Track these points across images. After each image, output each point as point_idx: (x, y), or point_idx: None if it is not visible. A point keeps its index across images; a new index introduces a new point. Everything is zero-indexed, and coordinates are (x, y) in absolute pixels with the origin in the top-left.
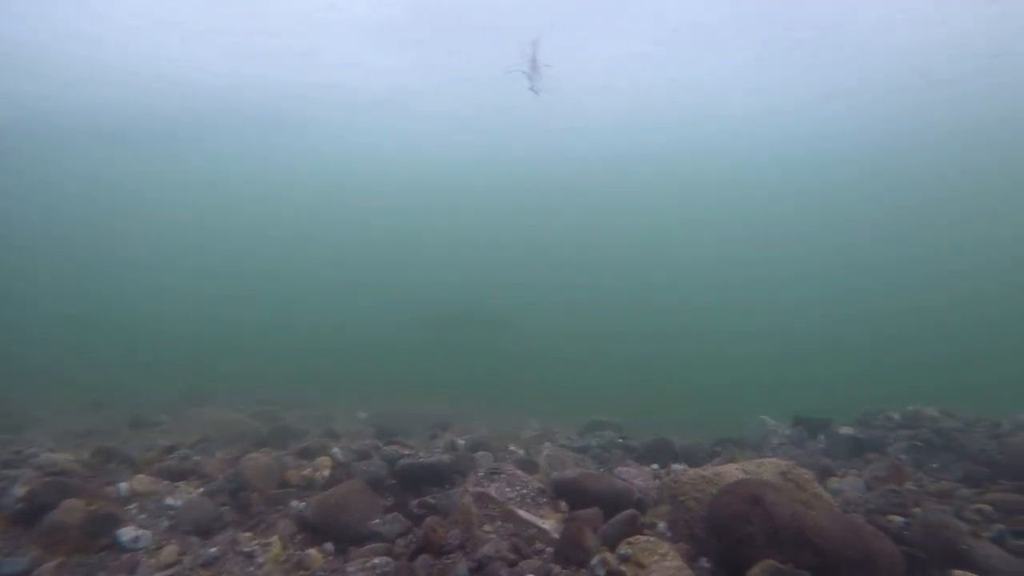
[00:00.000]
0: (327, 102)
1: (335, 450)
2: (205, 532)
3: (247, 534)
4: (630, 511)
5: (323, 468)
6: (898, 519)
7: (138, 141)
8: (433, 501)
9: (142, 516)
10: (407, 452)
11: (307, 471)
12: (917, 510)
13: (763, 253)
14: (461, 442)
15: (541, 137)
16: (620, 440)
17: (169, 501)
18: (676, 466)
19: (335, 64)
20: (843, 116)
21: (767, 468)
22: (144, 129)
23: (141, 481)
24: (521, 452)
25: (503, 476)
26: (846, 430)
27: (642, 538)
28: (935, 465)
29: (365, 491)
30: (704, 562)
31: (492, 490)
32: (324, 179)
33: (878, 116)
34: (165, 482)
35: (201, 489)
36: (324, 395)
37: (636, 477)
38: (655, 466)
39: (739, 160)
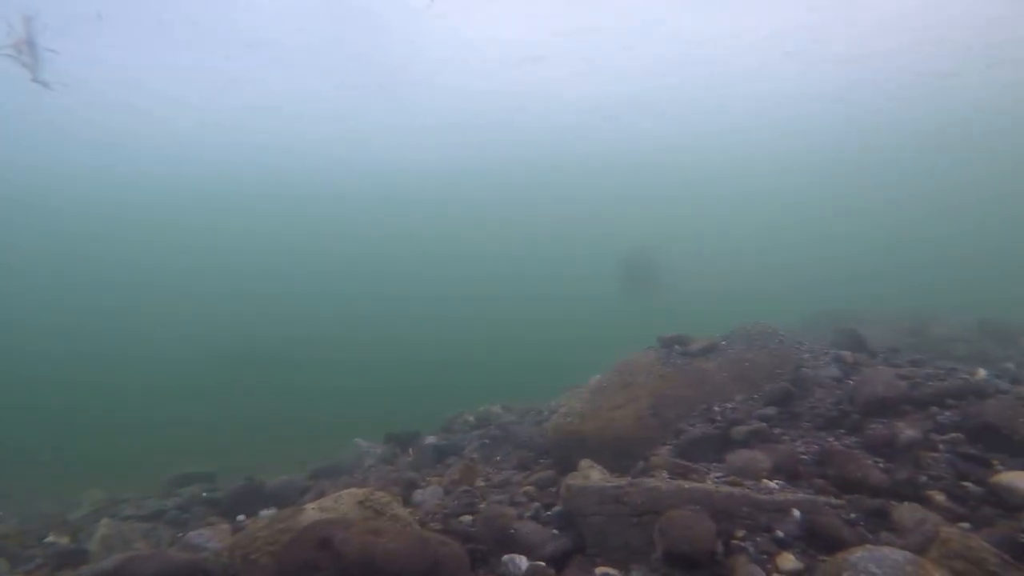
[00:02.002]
0: None
1: None
2: None
3: None
4: None
5: None
6: (467, 518)
7: None
8: None
9: None
10: None
11: None
12: (483, 505)
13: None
14: None
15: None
16: (205, 494)
17: None
18: (265, 512)
19: None
20: (419, 148)
21: (345, 501)
22: None
23: None
24: (65, 540)
25: None
26: (431, 439)
27: None
28: (499, 458)
29: None
30: None
31: None
32: None
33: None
34: None
35: None
36: None
37: (212, 539)
38: (241, 517)
39: (324, 185)
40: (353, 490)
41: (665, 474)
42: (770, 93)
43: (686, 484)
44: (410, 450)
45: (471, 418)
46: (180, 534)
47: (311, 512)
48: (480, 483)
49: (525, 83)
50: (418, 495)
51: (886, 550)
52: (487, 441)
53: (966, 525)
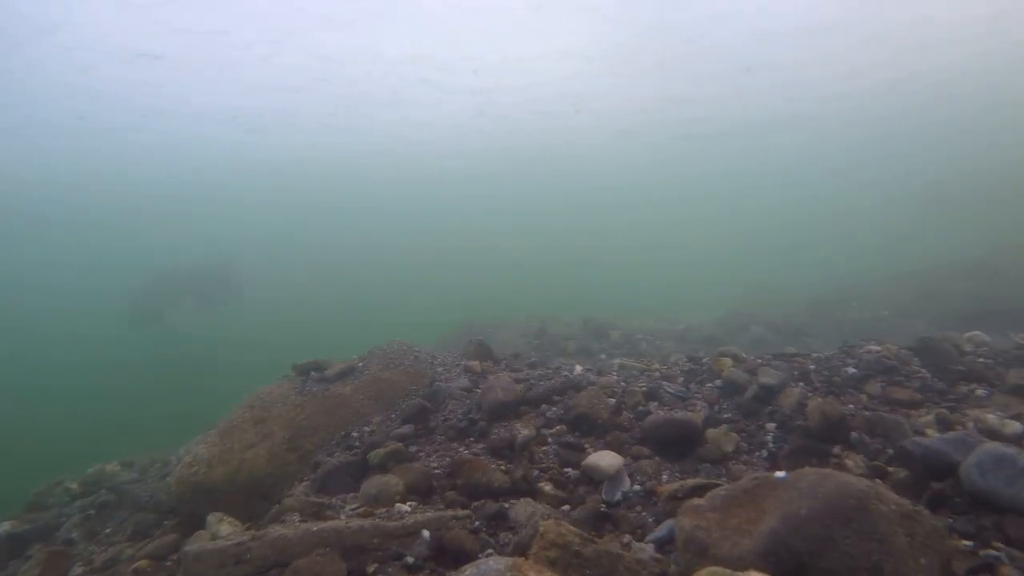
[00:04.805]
0: None
1: None
2: None
3: None
4: None
5: None
6: None
7: None
8: None
9: None
10: None
11: None
12: None
13: None
14: None
15: None
16: None
17: None
18: None
19: None
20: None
21: None
22: None
23: None
24: None
25: None
26: (4, 527)
27: None
28: (110, 529)
29: None
30: None
31: None
32: None
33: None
34: None
35: None
36: None
37: None
38: None
39: None
40: None
41: (297, 516)
42: (407, 118)
43: (315, 526)
44: None
45: (74, 485)
46: None
47: None
48: (78, 570)
49: (146, 83)
50: None
51: (491, 561)
52: (93, 512)
53: (567, 507)
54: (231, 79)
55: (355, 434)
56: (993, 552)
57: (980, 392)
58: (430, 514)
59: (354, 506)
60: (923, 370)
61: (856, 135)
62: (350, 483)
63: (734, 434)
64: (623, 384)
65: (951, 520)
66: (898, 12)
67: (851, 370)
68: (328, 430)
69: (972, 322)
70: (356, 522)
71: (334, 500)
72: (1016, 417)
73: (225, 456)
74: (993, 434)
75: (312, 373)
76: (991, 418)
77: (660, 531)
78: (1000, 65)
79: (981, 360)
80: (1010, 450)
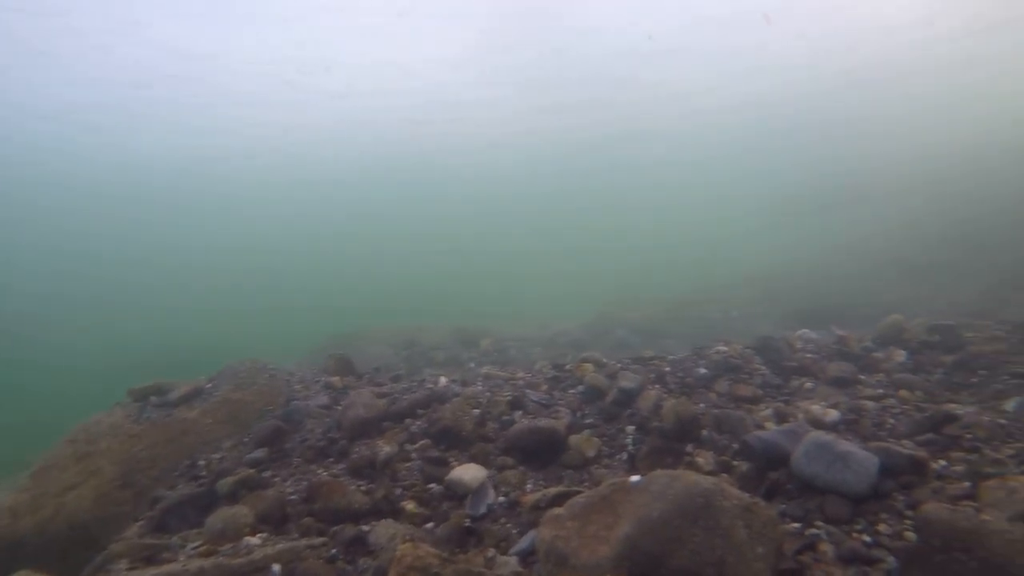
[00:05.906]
0: None
1: None
2: None
3: None
4: None
5: None
6: None
7: None
8: None
9: None
10: None
11: None
12: None
13: None
14: None
15: None
16: None
17: None
18: None
19: None
20: None
21: None
22: None
23: None
24: None
25: None
26: None
27: None
28: None
29: None
30: None
31: None
32: None
33: None
34: None
35: None
36: None
37: None
38: None
39: None
40: None
41: (124, 564)
42: (268, 120)
43: (146, 572)
44: None
45: None
46: None
47: None
48: None
49: None
50: None
51: None
52: None
53: (431, 525)
54: (67, 70)
55: (202, 462)
56: (815, 531)
57: (808, 385)
58: (281, 546)
59: (196, 544)
60: (763, 367)
61: (709, 149)
62: (195, 518)
63: (596, 439)
64: (488, 394)
65: (784, 506)
66: (744, 38)
67: (702, 370)
68: (171, 460)
69: (808, 319)
70: (195, 563)
71: (174, 539)
72: (834, 406)
73: (37, 502)
74: (818, 423)
75: (152, 398)
76: (816, 409)
77: (523, 543)
78: (827, 90)
79: (809, 355)
80: (829, 437)
